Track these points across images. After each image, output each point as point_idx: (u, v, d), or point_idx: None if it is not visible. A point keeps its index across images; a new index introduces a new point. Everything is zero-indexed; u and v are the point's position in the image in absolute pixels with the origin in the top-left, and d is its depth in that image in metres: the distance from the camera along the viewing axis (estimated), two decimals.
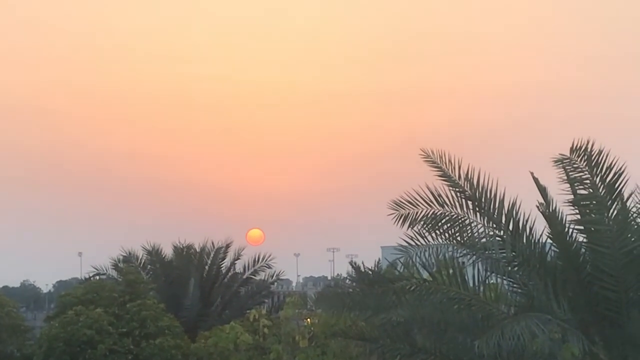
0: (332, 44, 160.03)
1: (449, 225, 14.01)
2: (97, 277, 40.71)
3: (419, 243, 14.15)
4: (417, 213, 14.07)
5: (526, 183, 14.25)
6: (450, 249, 14.22)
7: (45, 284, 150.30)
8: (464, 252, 14.07)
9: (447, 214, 14.01)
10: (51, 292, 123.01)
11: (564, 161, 13.77)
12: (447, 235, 14.14)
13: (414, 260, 14.12)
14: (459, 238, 14.11)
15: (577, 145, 13.62)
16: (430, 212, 14.03)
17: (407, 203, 14.09)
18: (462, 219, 13.97)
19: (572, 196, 13.68)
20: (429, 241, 14.18)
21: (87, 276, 42.96)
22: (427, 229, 14.11)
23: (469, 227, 13.93)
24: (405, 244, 14.15)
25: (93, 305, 31.14)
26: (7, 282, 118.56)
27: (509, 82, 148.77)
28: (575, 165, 13.55)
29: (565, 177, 13.83)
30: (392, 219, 14.13)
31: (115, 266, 40.91)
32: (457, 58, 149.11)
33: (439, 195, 14.02)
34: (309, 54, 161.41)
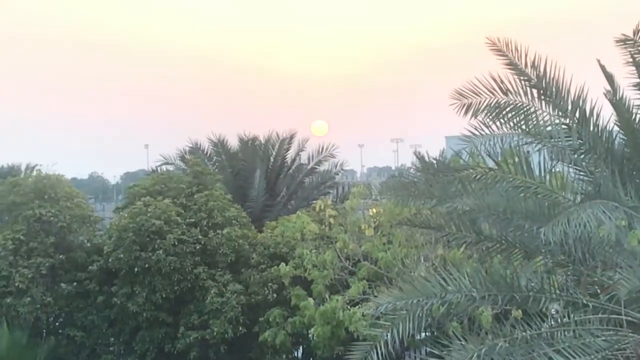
0: None
1: (513, 113, 13.92)
2: (165, 167, 41.27)
3: (483, 133, 14.10)
4: (480, 102, 13.97)
5: (593, 70, 14.09)
6: (515, 137, 14.17)
7: (112, 176, 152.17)
8: (529, 140, 14.01)
9: (511, 102, 13.91)
10: (119, 184, 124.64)
11: (627, 42, 13.59)
12: (511, 124, 14.06)
13: (478, 149, 14.11)
14: (523, 127, 14.02)
15: None
16: (494, 101, 13.93)
17: (469, 92, 14.00)
18: (527, 107, 13.88)
19: (637, 80, 13.51)
20: (492, 131, 14.12)
21: (154, 168, 43.60)
22: (490, 118, 14.05)
23: (534, 115, 13.84)
24: (469, 134, 14.12)
25: (161, 196, 31.62)
26: (75, 174, 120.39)
27: None
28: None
29: (630, 60, 13.66)
30: (455, 109, 14.08)
31: (182, 157, 41.44)
32: None
33: (502, 83, 13.89)
34: None
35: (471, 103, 14.00)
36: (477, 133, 13.99)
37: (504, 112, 13.92)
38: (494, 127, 14.03)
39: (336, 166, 44.69)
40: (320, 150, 44.10)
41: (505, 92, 13.92)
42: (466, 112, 14.02)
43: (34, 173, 35.19)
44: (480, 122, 14.03)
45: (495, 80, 13.94)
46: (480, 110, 13.95)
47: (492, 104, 13.94)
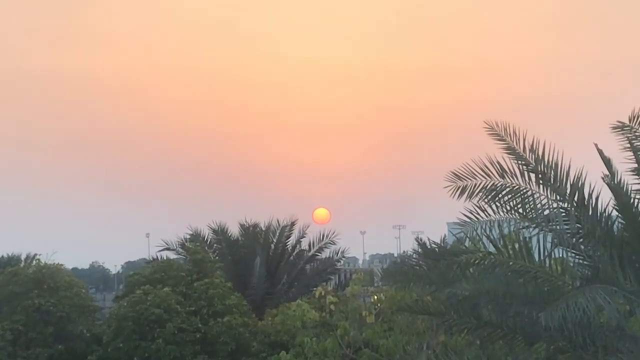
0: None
1: (509, 196, 13.92)
2: (166, 254, 41.13)
3: (479, 217, 14.08)
4: (475, 184, 13.97)
5: (589, 154, 14.12)
6: (512, 222, 14.14)
7: (113, 265, 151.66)
8: (527, 224, 13.98)
9: (507, 185, 13.91)
10: (119, 273, 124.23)
11: (624, 128, 13.68)
12: (508, 207, 14.04)
13: (478, 234, 14.07)
14: (520, 210, 14.01)
15: (637, 113, 13.53)
16: (490, 183, 13.93)
17: (465, 174, 14.02)
18: (524, 191, 13.88)
19: (635, 165, 13.54)
20: (488, 215, 14.09)
21: (155, 256, 43.48)
22: (486, 201, 14.04)
23: (532, 198, 13.84)
24: (467, 219, 14.10)
25: (161, 284, 31.50)
26: (76, 264, 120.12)
27: (574, 52, 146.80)
28: (637, 133, 13.43)
29: (628, 145, 13.73)
30: (450, 191, 14.07)
31: (182, 245, 41.35)
32: (519, 33, 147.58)
33: (500, 166, 13.91)
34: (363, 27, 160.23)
35: (466, 185, 14.00)
36: (473, 217, 13.96)
37: (500, 195, 13.92)
38: (490, 210, 14.00)
39: (337, 253, 44.58)
40: (322, 237, 44.04)
41: (502, 175, 13.93)
42: (461, 194, 14.02)
43: (34, 263, 35.08)
44: (476, 205, 14.01)
45: (491, 163, 13.96)
46: (476, 193, 13.94)
47: (488, 187, 13.94)
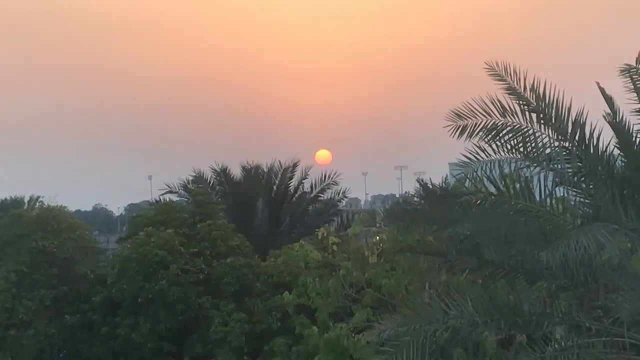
0: None
1: (510, 135, 13.87)
2: (169, 197, 41.23)
3: (480, 158, 14.04)
4: (476, 124, 13.90)
5: (592, 94, 14.08)
6: (513, 162, 14.12)
7: (116, 208, 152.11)
8: (528, 163, 13.96)
9: (508, 124, 13.85)
10: (123, 215, 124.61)
11: (631, 70, 13.63)
12: (508, 146, 14.00)
13: (479, 174, 14.06)
14: (522, 149, 13.98)
15: None
16: (490, 122, 13.86)
17: (465, 113, 13.96)
18: (525, 130, 13.83)
19: (639, 105, 13.51)
20: (489, 155, 14.06)
21: (157, 198, 43.56)
22: (487, 140, 13.99)
23: (532, 137, 13.80)
24: (467, 160, 14.06)
25: (164, 226, 31.61)
26: (79, 207, 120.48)
27: None
28: None
29: (632, 87, 13.68)
30: (450, 130, 14.02)
31: (185, 187, 41.41)
32: None
33: (500, 105, 13.84)
34: None
35: (467, 125, 13.93)
36: (474, 158, 13.92)
37: (501, 134, 13.86)
38: (490, 150, 13.94)
39: (339, 194, 44.65)
40: (324, 178, 44.08)
41: (503, 114, 13.87)
42: (462, 134, 13.95)
43: (37, 205, 35.19)
44: (477, 146, 13.95)
45: (492, 102, 13.89)
46: (476, 132, 13.87)
47: (489, 126, 13.86)
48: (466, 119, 13.91)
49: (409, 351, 13.32)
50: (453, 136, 13.94)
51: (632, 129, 13.89)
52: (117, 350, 30.73)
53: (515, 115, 13.84)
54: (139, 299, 29.83)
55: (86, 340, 30.89)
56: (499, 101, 13.85)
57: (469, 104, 13.90)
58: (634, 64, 13.99)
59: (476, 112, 13.87)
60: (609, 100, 13.89)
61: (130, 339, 29.92)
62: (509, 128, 13.84)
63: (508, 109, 13.86)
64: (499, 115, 13.85)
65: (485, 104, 13.85)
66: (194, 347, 29.69)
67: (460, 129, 13.92)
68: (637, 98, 13.87)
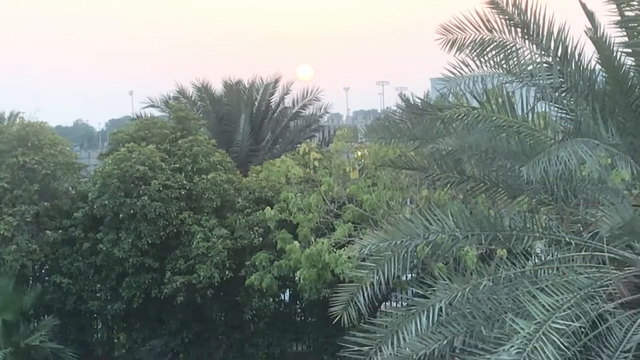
0: None
1: (495, 51, 13.83)
2: (150, 112, 41.15)
3: (463, 72, 14.00)
4: (465, 38, 13.84)
5: (575, 9, 13.98)
6: (496, 77, 14.09)
7: (97, 123, 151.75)
8: (510, 79, 13.93)
9: (495, 39, 13.79)
10: (104, 131, 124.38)
11: None
12: (492, 62, 13.96)
13: (462, 89, 14.03)
14: (504, 65, 13.94)
15: None
16: (478, 37, 13.79)
17: (455, 28, 13.88)
18: (510, 45, 13.78)
19: (618, 17, 13.41)
20: (472, 70, 14.02)
21: (139, 113, 43.46)
22: (474, 55, 13.94)
23: (515, 53, 13.75)
24: (450, 74, 14.02)
25: (145, 142, 31.53)
26: (60, 122, 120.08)
27: None
28: None
29: None
30: (440, 44, 13.94)
31: (166, 103, 41.33)
32: None
33: (488, 21, 13.77)
34: None
35: (456, 39, 13.86)
36: (457, 72, 13.88)
37: (487, 50, 13.80)
38: (473, 65, 13.91)
39: (321, 109, 44.67)
40: (305, 94, 44.03)
41: (490, 30, 13.79)
42: (451, 48, 13.88)
43: (17, 120, 34.96)
44: (461, 61, 13.91)
45: (480, 17, 13.80)
46: (465, 46, 13.81)
47: (477, 40, 13.79)
48: (455, 33, 13.84)
49: (390, 266, 13.42)
50: (443, 49, 13.87)
51: (613, 43, 13.83)
52: (98, 266, 30.87)
53: (502, 32, 13.77)
54: (120, 215, 29.88)
55: (68, 255, 30.97)
56: (487, 17, 13.76)
57: (459, 18, 13.82)
58: None
59: (465, 26, 13.79)
60: (590, 15, 13.80)
61: (111, 254, 30.04)
62: (495, 43, 13.77)
63: (496, 25, 13.77)
64: (486, 31, 13.78)
65: (474, 18, 13.77)
66: (176, 262, 29.83)
67: (450, 43, 13.85)
68: (616, 10, 13.78)
